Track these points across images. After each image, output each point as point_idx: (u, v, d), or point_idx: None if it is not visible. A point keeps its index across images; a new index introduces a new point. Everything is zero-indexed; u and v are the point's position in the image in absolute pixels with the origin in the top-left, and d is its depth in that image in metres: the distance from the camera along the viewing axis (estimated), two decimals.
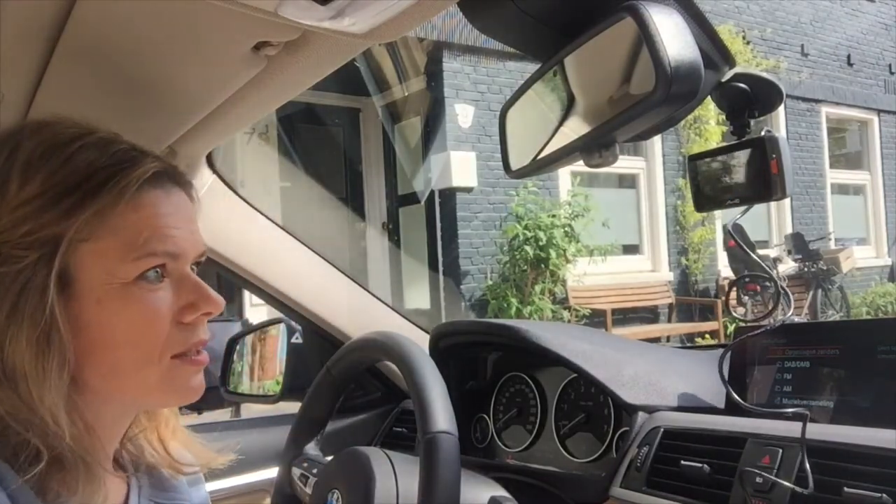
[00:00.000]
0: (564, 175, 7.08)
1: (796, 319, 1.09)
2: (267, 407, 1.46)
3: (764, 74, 0.73)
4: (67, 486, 0.61)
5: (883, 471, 0.78)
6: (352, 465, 0.94)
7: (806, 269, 8.20)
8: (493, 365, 1.41)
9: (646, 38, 0.61)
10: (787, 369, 1.03)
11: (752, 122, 0.76)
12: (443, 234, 6.78)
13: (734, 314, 8.69)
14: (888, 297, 9.00)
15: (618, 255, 7.42)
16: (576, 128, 0.72)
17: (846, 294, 8.66)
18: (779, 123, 8.72)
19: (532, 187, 6.67)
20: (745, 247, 1.09)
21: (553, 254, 6.39)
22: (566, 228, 6.52)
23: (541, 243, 6.38)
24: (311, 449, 1.09)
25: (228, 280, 1.39)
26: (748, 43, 8.39)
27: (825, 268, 8.22)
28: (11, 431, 0.60)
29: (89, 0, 0.66)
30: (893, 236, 10.22)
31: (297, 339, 1.36)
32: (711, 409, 1.07)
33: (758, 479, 0.86)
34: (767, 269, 0.95)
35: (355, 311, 1.48)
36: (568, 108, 0.74)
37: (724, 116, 0.77)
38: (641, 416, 1.07)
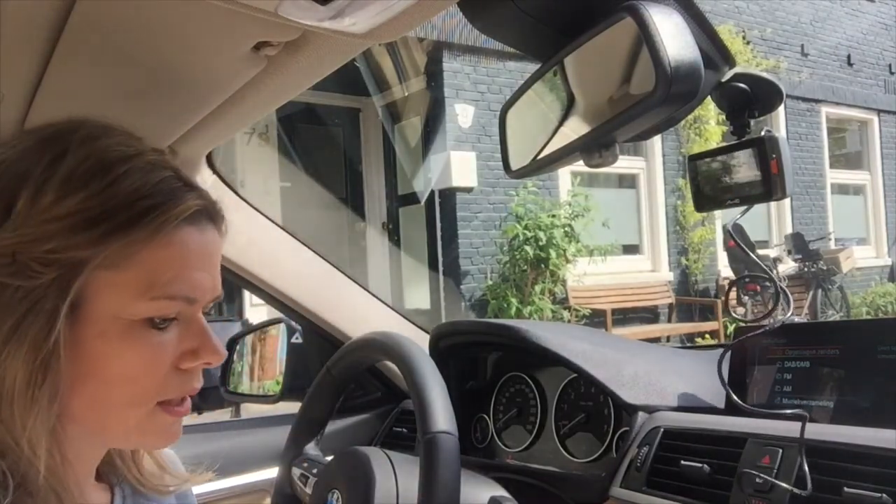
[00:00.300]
0: (564, 175, 7.08)
1: (796, 319, 1.09)
2: (267, 407, 1.46)
3: (764, 74, 0.73)
4: None
5: (883, 471, 0.78)
6: (352, 465, 0.94)
7: (806, 269, 8.20)
8: (493, 365, 1.41)
9: (646, 38, 0.61)
10: (787, 369, 1.03)
11: (752, 122, 0.76)
12: (443, 234, 6.78)
13: (734, 314, 8.69)
14: (888, 297, 9.01)
15: (618, 255, 7.42)
16: (576, 128, 0.72)
17: (846, 294, 8.66)
18: (779, 123, 8.72)
19: (532, 187, 6.67)
20: (744, 247, 1.09)
21: (553, 254, 6.39)
22: (566, 228, 6.51)
23: (541, 243, 6.38)
24: (311, 449, 1.09)
25: (228, 280, 1.39)
26: (748, 43, 8.39)
27: (825, 268, 8.22)
28: None
29: (89, 0, 0.66)
30: (893, 236, 10.22)
31: (297, 339, 1.36)
32: (711, 409, 1.07)
33: (757, 480, 0.86)
34: (767, 269, 0.95)
35: (355, 311, 1.48)
36: (568, 108, 0.74)
37: (724, 116, 0.77)
38: (641, 416, 1.07)
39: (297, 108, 6.82)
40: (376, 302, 1.52)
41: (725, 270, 8.18)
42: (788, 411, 0.88)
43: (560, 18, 0.69)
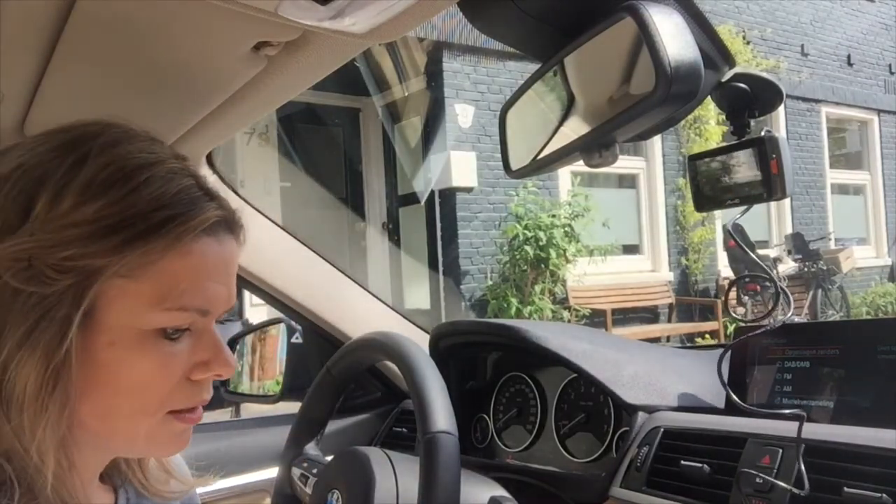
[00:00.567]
0: (564, 175, 7.08)
1: (796, 319, 1.09)
2: (267, 407, 1.46)
3: (764, 74, 0.73)
4: None
5: (883, 471, 0.78)
6: (352, 465, 0.94)
7: (806, 269, 8.20)
8: (493, 365, 1.41)
9: (646, 38, 0.61)
10: (787, 369, 1.03)
11: (752, 122, 0.76)
12: (443, 234, 6.78)
13: (734, 314, 8.68)
14: (888, 297, 9.01)
15: (618, 255, 7.42)
16: (576, 128, 0.72)
17: (846, 294, 8.66)
18: (779, 123, 8.72)
19: (532, 187, 6.67)
20: (744, 247, 1.09)
21: (553, 254, 6.39)
22: (566, 228, 6.51)
23: (541, 243, 6.38)
24: (311, 449, 1.09)
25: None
26: (748, 43, 8.39)
27: (825, 268, 8.22)
28: None
29: (89, 0, 0.66)
30: (893, 236, 10.22)
31: (297, 339, 1.36)
32: (711, 409, 1.07)
33: (757, 480, 0.86)
34: (767, 269, 0.95)
35: (355, 311, 1.48)
36: (568, 109, 0.74)
37: (724, 116, 0.77)
38: (641, 416, 1.07)
39: (297, 108, 6.82)
40: (376, 302, 1.52)
41: (725, 270, 8.18)
42: (787, 411, 0.88)
43: (560, 18, 0.69)
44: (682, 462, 0.95)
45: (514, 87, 0.80)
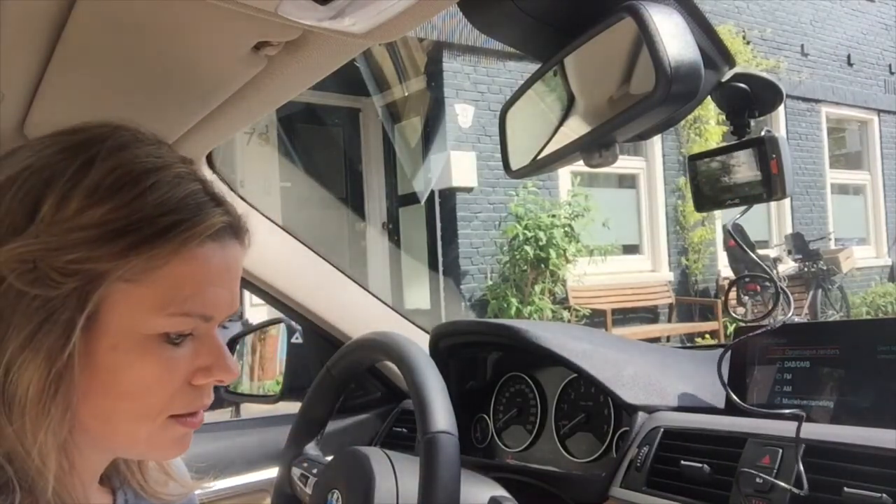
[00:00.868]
0: (564, 175, 7.08)
1: (796, 319, 1.09)
2: (267, 407, 1.46)
3: (764, 74, 0.73)
4: None
5: (883, 471, 0.78)
6: (352, 465, 0.94)
7: (806, 269, 8.20)
8: (493, 365, 1.41)
9: (646, 38, 0.61)
10: (787, 369, 1.03)
11: (752, 122, 0.76)
12: (443, 234, 6.78)
13: (734, 314, 8.68)
14: (888, 297, 9.01)
15: (618, 255, 7.42)
16: (576, 128, 0.72)
17: (846, 294, 8.66)
18: (779, 123, 8.72)
19: (532, 187, 6.67)
20: (744, 247, 1.09)
21: (553, 254, 6.39)
22: (566, 228, 6.51)
23: (541, 243, 6.38)
24: (311, 449, 1.09)
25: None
26: (748, 43, 8.39)
27: (825, 268, 8.22)
28: None
29: (89, 0, 0.66)
30: (893, 236, 10.22)
31: (297, 339, 1.36)
32: (711, 409, 1.07)
33: (757, 480, 0.86)
34: (767, 269, 0.95)
35: (355, 311, 1.48)
36: (568, 109, 0.74)
37: (724, 116, 0.77)
38: (641, 416, 1.07)
39: (297, 108, 6.82)
40: (376, 302, 1.52)
41: (725, 270, 8.18)
42: (787, 411, 0.88)
43: (560, 18, 0.69)
44: (682, 462, 0.95)
45: (514, 87, 0.80)
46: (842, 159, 10.28)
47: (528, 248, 6.39)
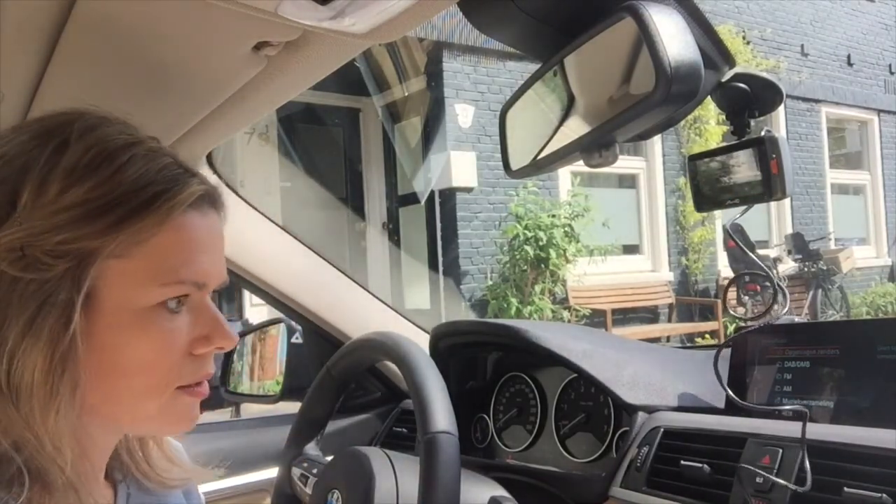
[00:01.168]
0: (564, 175, 7.08)
1: (796, 318, 1.09)
2: (267, 407, 1.46)
3: (764, 74, 0.73)
4: None
5: (883, 471, 0.78)
6: (352, 465, 0.94)
7: (806, 269, 8.20)
8: (493, 365, 1.41)
9: (646, 38, 0.61)
10: (787, 369, 1.03)
11: (752, 122, 0.76)
12: (443, 234, 6.78)
13: (734, 314, 8.69)
14: (888, 297, 9.01)
15: (618, 255, 7.43)
16: (576, 128, 0.72)
17: (846, 294, 8.66)
18: (779, 123, 8.72)
19: (532, 187, 6.67)
20: (744, 247, 1.09)
21: (553, 254, 6.39)
22: (566, 228, 6.51)
23: (541, 243, 6.38)
24: (311, 449, 1.09)
25: (228, 279, 1.39)
26: (748, 43, 8.39)
27: (825, 268, 8.23)
28: None
29: (89, 0, 0.66)
30: (893, 236, 10.22)
31: (297, 339, 1.36)
32: (711, 409, 1.07)
33: (758, 479, 0.86)
34: (765, 267, 0.95)
35: (355, 311, 1.48)
36: (568, 108, 0.74)
37: (724, 116, 0.77)
38: (641, 416, 1.07)
39: (297, 108, 6.83)
40: (376, 302, 1.52)
41: (725, 270, 8.18)
42: (788, 407, 0.88)
43: (560, 18, 0.69)
44: (682, 462, 0.95)
45: (514, 87, 0.80)
46: (842, 159, 10.28)
47: (528, 248, 6.39)
